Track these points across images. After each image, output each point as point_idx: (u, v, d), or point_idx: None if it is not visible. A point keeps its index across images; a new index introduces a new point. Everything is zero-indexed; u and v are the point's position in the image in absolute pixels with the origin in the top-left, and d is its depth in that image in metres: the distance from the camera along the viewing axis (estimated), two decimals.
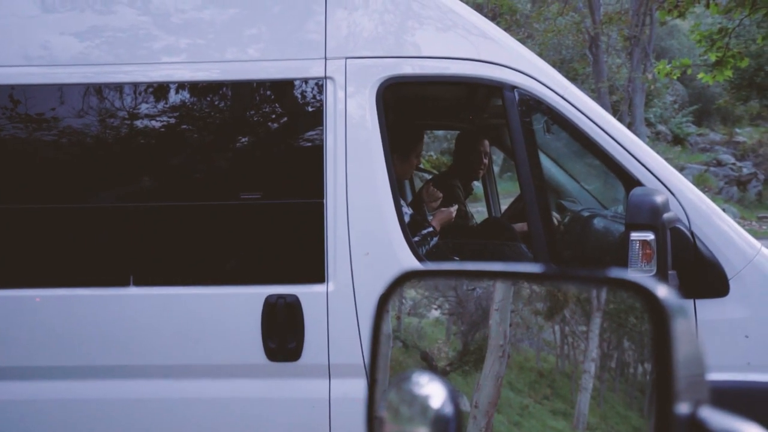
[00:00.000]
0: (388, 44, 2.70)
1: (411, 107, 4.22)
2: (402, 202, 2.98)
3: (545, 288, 0.72)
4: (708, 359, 1.99)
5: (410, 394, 0.63)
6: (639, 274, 0.63)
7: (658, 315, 0.50)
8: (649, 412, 0.50)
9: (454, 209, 3.30)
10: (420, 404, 0.62)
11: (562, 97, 2.66)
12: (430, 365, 0.79)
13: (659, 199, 2.33)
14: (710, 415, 0.48)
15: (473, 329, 0.81)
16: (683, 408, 0.48)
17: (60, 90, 2.69)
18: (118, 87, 2.69)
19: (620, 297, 0.60)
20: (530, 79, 2.67)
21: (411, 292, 0.81)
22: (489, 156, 4.34)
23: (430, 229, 3.08)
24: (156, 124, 2.71)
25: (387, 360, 0.73)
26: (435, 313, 0.84)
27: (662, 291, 0.51)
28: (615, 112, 18.09)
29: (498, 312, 0.76)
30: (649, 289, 0.51)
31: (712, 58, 7.31)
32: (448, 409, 0.59)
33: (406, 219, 2.86)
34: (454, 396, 0.61)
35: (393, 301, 0.72)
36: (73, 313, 2.63)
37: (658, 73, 7.85)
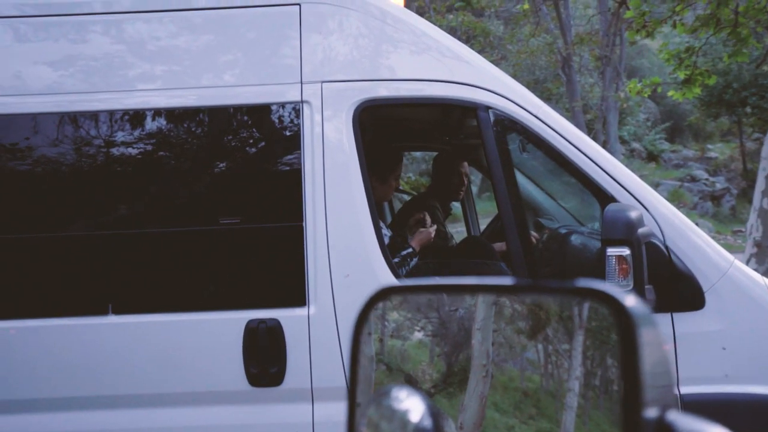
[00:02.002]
0: (363, 68, 2.73)
1: (389, 130, 4.25)
2: (381, 223, 3.00)
3: (527, 307, 0.73)
4: (685, 371, 2.01)
5: (390, 410, 0.63)
6: (608, 285, 0.64)
7: (625, 323, 0.51)
8: (618, 417, 0.51)
9: (432, 229, 3.32)
10: (399, 419, 0.62)
11: (536, 117, 2.71)
12: (414, 388, 0.79)
13: (634, 214, 2.37)
14: (677, 418, 0.50)
15: (457, 350, 0.81)
16: (651, 412, 0.50)
17: (34, 119, 2.68)
18: (93, 115, 2.68)
19: (602, 313, 0.61)
20: (504, 99, 2.71)
21: (394, 314, 0.81)
22: (468, 177, 4.38)
23: (410, 249, 3.09)
24: (132, 151, 2.70)
25: (368, 377, 0.73)
26: (418, 335, 0.84)
27: (629, 300, 0.53)
28: (589, 130, 18.37)
29: (480, 331, 0.77)
30: (617, 298, 0.52)
31: (681, 76, 7.49)
32: (427, 423, 0.60)
33: (386, 240, 2.87)
34: (432, 410, 0.62)
35: (371, 318, 0.73)
36: (51, 343, 2.59)
37: (630, 91, 8.01)
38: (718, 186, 22.25)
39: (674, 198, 20.33)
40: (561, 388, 0.73)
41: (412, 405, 0.63)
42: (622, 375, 0.51)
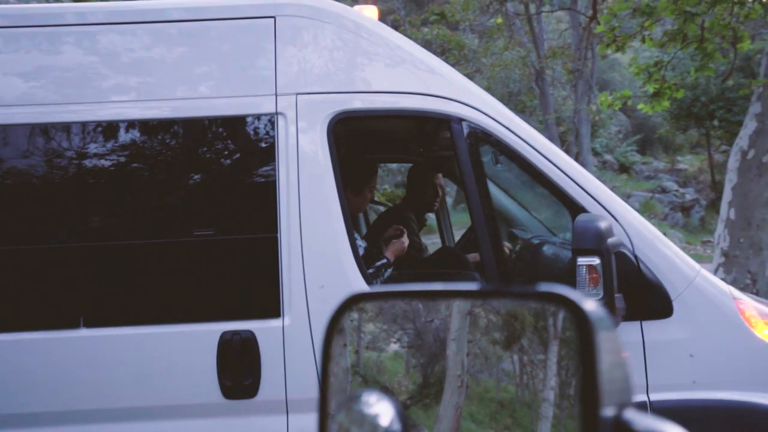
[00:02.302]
0: (338, 80, 2.75)
1: (363, 141, 4.28)
2: (356, 234, 3.01)
3: (501, 317, 0.74)
4: (654, 378, 2.05)
5: (360, 414, 0.65)
6: (568, 289, 0.66)
7: (583, 324, 0.54)
8: (577, 416, 0.53)
9: (405, 240, 3.34)
10: (369, 423, 0.64)
11: (508, 129, 2.75)
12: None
13: (603, 224, 2.42)
14: (634, 416, 0.52)
15: (432, 361, 0.81)
16: (608, 411, 0.52)
17: (4, 130, 2.65)
18: (66, 126, 2.66)
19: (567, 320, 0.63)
20: (477, 111, 2.76)
21: (369, 326, 0.82)
22: (442, 188, 4.42)
23: (384, 260, 3.11)
24: (105, 162, 2.69)
25: (339, 383, 0.74)
26: (394, 347, 0.84)
27: (587, 303, 0.55)
28: (563, 142, 18.60)
29: (455, 342, 0.78)
30: (574, 300, 0.55)
31: (651, 89, 7.65)
32: (396, 426, 0.61)
33: (361, 251, 2.89)
34: (401, 413, 0.63)
35: (342, 324, 0.74)
36: (22, 358, 2.55)
37: (601, 104, 8.15)
38: (688, 197, 22.67)
39: (645, 209, 20.65)
40: (536, 399, 0.73)
41: (381, 409, 0.64)
42: (580, 375, 0.53)
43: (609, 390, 0.52)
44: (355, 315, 0.83)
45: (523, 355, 0.72)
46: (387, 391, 0.79)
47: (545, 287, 0.60)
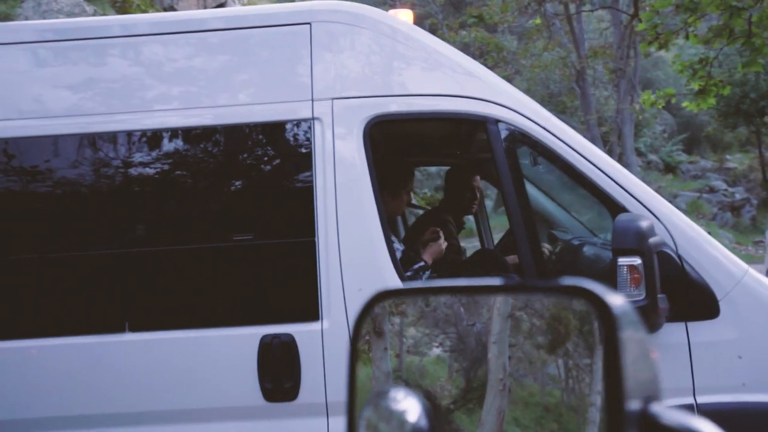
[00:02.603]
0: (374, 84, 2.77)
1: (400, 145, 4.29)
2: (394, 237, 3.02)
3: (545, 321, 0.73)
4: (701, 380, 2.00)
5: (387, 411, 0.65)
6: (592, 283, 0.64)
7: (607, 318, 0.53)
8: (603, 410, 0.53)
9: (443, 242, 3.33)
10: (397, 419, 0.64)
11: (545, 129, 2.73)
12: (433, 405, 0.79)
13: (644, 224, 2.38)
14: (661, 410, 0.51)
15: (475, 365, 0.81)
16: (634, 405, 0.51)
17: (54, 141, 2.74)
18: (112, 136, 2.74)
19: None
20: (513, 112, 2.74)
21: (411, 330, 0.82)
22: (480, 191, 4.40)
23: (422, 263, 3.11)
24: (149, 170, 2.76)
25: (367, 381, 0.75)
26: (436, 351, 0.84)
27: (611, 296, 0.54)
28: (605, 143, 18.29)
29: (496, 345, 0.77)
30: (598, 294, 0.54)
31: (695, 86, 7.47)
32: (423, 423, 0.62)
33: (398, 254, 2.89)
34: (428, 410, 0.63)
35: (368, 322, 0.75)
36: (69, 362, 2.63)
37: (644, 103, 8.00)
38: (738, 196, 22.01)
39: (693, 209, 20.14)
40: (582, 403, 0.71)
41: (409, 405, 0.65)
42: (605, 369, 0.53)
43: (635, 384, 0.51)
44: (396, 320, 0.83)
45: (569, 359, 0.70)
46: (429, 395, 0.78)
47: (569, 281, 0.60)
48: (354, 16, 2.80)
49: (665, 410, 0.51)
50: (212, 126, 2.75)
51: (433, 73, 2.82)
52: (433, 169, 16.70)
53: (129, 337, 2.63)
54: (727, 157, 25.69)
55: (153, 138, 2.75)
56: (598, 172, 2.69)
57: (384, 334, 0.82)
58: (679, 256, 2.57)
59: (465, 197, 4.22)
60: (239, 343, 2.59)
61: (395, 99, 2.77)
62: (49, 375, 2.63)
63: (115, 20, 2.97)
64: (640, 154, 22.96)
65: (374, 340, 0.82)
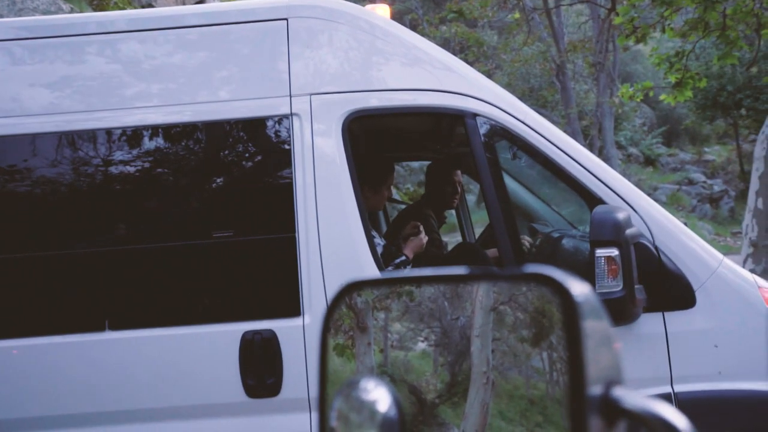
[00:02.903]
0: (352, 79, 2.77)
1: (381, 140, 4.30)
2: (374, 232, 3.03)
3: (529, 314, 0.73)
4: (678, 369, 2.03)
5: (358, 401, 0.66)
6: (552, 269, 0.65)
7: (568, 303, 0.54)
8: (565, 395, 0.54)
9: (424, 237, 3.35)
10: (368, 409, 0.65)
11: (522, 122, 2.75)
12: (419, 399, 0.80)
13: (621, 215, 2.40)
14: (623, 394, 0.52)
15: (460, 359, 0.81)
16: (596, 389, 0.52)
17: (32, 140, 2.71)
18: (91, 133, 2.72)
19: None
20: (490, 106, 2.75)
21: (396, 326, 0.82)
22: (461, 185, 4.41)
23: (403, 258, 3.12)
24: (128, 168, 2.74)
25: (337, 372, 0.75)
26: (421, 345, 0.84)
27: (573, 283, 0.56)
28: (586, 136, 18.43)
29: (479, 338, 0.78)
30: (559, 281, 0.55)
31: (672, 79, 7.55)
32: (393, 413, 0.62)
33: (379, 249, 2.90)
34: (397, 399, 0.64)
35: (339, 313, 0.76)
36: (50, 361, 2.61)
37: (622, 96, 8.07)
38: (716, 188, 22.30)
39: (672, 201, 20.37)
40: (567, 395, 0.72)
41: (379, 395, 0.65)
42: (567, 354, 0.54)
43: (596, 369, 0.53)
44: (381, 315, 0.84)
45: (553, 351, 0.71)
46: (415, 390, 0.79)
47: (531, 268, 0.61)
48: (331, 12, 2.80)
49: (627, 394, 0.52)
50: (191, 123, 2.73)
51: (411, 68, 2.82)
52: (415, 164, 16.73)
53: (110, 335, 2.61)
54: (706, 149, 26.00)
55: (132, 136, 2.73)
56: (575, 164, 2.71)
57: (367, 329, 0.83)
58: (656, 247, 2.61)
59: (446, 192, 4.24)
60: (221, 340, 2.59)
61: (373, 94, 2.77)
62: (29, 374, 2.61)
63: (91, 17, 2.94)
64: (620, 147, 23.17)
65: (357, 335, 0.83)
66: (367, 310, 0.84)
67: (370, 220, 2.85)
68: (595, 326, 0.56)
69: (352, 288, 0.76)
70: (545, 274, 0.57)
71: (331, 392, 0.69)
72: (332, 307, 0.74)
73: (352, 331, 0.82)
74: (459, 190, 4.33)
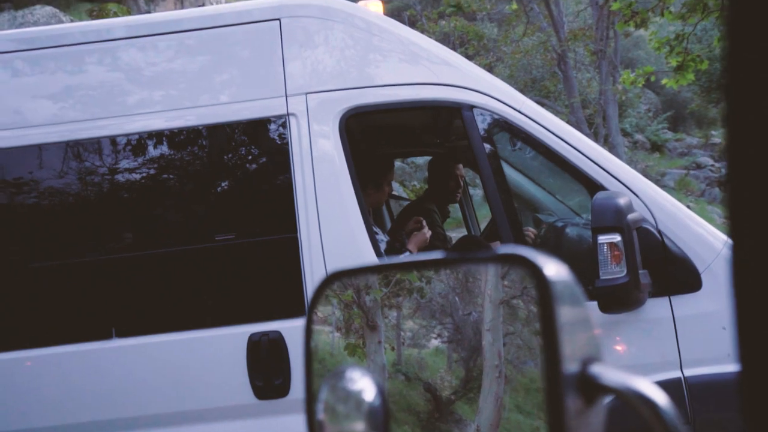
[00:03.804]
0: (347, 77, 2.77)
1: (381, 136, 4.29)
2: (377, 229, 3.02)
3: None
4: (688, 353, 2.01)
5: (344, 391, 0.66)
6: (526, 249, 0.64)
7: (542, 282, 0.54)
8: (542, 375, 0.53)
9: (427, 231, 3.34)
10: (354, 399, 0.65)
11: (519, 112, 2.74)
12: (434, 396, 0.80)
13: (622, 200, 2.39)
14: (602, 370, 0.52)
15: (474, 355, 0.80)
16: (573, 366, 0.52)
17: (37, 150, 2.72)
18: (94, 142, 2.73)
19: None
20: (487, 97, 2.75)
21: (408, 323, 0.82)
22: (463, 179, 4.40)
23: (407, 253, 3.12)
24: (133, 175, 2.75)
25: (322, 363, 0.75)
26: (435, 342, 0.84)
27: (546, 262, 0.55)
28: (590, 125, 18.34)
29: (489, 332, 0.78)
30: (532, 260, 0.55)
31: (673, 63, 7.50)
32: (378, 402, 0.62)
33: (382, 246, 2.90)
34: (381, 388, 0.64)
35: (322, 305, 0.75)
36: (58, 371, 2.62)
37: (624, 82, 8.02)
38: (725, 171, 22.13)
39: (681, 186, 20.24)
40: None
41: (365, 385, 0.65)
42: (542, 333, 0.54)
43: (573, 347, 0.52)
44: (393, 313, 0.83)
45: None
46: (430, 387, 0.79)
47: (505, 249, 0.61)
48: (326, 10, 2.80)
49: (605, 370, 0.52)
50: (193, 127, 2.74)
51: (407, 63, 2.82)
52: (420, 160, 16.71)
53: (119, 342, 2.62)
54: (713, 132, 25.81)
55: (136, 142, 2.74)
56: (575, 151, 2.70)
57: (377, 328, 0.83)
58: (659, 231, 2.59)
59: (448, 186, 4.23)
60: (228, 343, 2.60)
61: (368, 90, 2.77)
62: (39, 385, 2.62)
63: (90, 26, 2.95)
64: (626, 134, 23.04)
65: (367, 333, 0.83)
66: (377, 308, 0.84)
67: (373, 217, 2.85)
68: (570, 304, 0.55)
69: (334, 278, 0.76)
70: (519, 255, 0.57)
71: (317, 384, 0.69)
72: (315, 299, 0.74)
73: (362, 330, 0.82)
74: (462, 183, 4.32)
